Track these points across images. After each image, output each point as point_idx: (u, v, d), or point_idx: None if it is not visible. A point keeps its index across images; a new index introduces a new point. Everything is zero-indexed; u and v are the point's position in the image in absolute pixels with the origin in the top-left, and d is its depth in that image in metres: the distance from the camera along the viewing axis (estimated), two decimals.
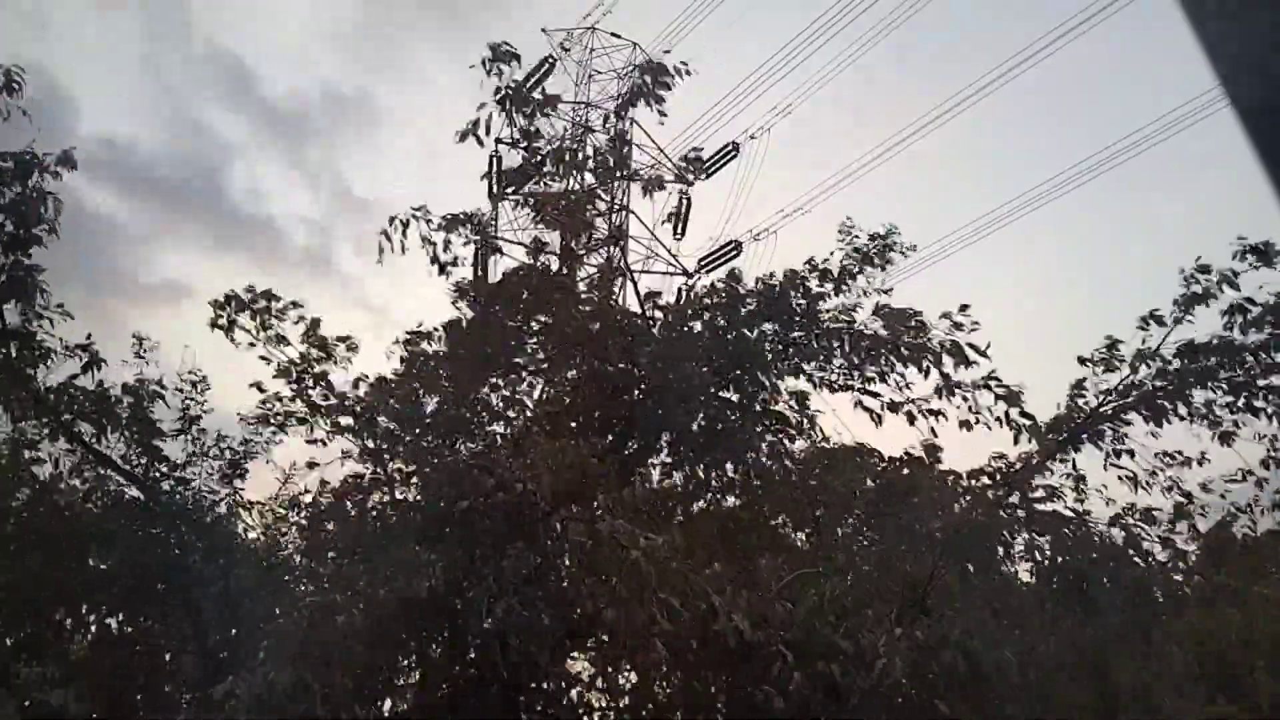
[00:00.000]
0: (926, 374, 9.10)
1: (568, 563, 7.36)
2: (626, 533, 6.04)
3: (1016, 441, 9.01)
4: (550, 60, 22.25)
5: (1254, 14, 1.37)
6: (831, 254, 9.67)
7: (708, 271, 24.58)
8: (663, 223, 24.98)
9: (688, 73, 10.45)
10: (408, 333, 10.58)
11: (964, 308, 9.02)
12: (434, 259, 10.05)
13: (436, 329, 10.49)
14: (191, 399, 10.35)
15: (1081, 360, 9.04)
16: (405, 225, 9.87)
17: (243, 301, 10.08)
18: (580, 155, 12.09)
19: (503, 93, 9.55)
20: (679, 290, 10.75)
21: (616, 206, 20.73)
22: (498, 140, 24.39)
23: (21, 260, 7.94)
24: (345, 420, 10.17)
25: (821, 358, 9.53)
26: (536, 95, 10.38)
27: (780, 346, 9.52)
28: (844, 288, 9.53)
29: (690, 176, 23.21)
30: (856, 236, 9.71)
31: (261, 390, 10.30)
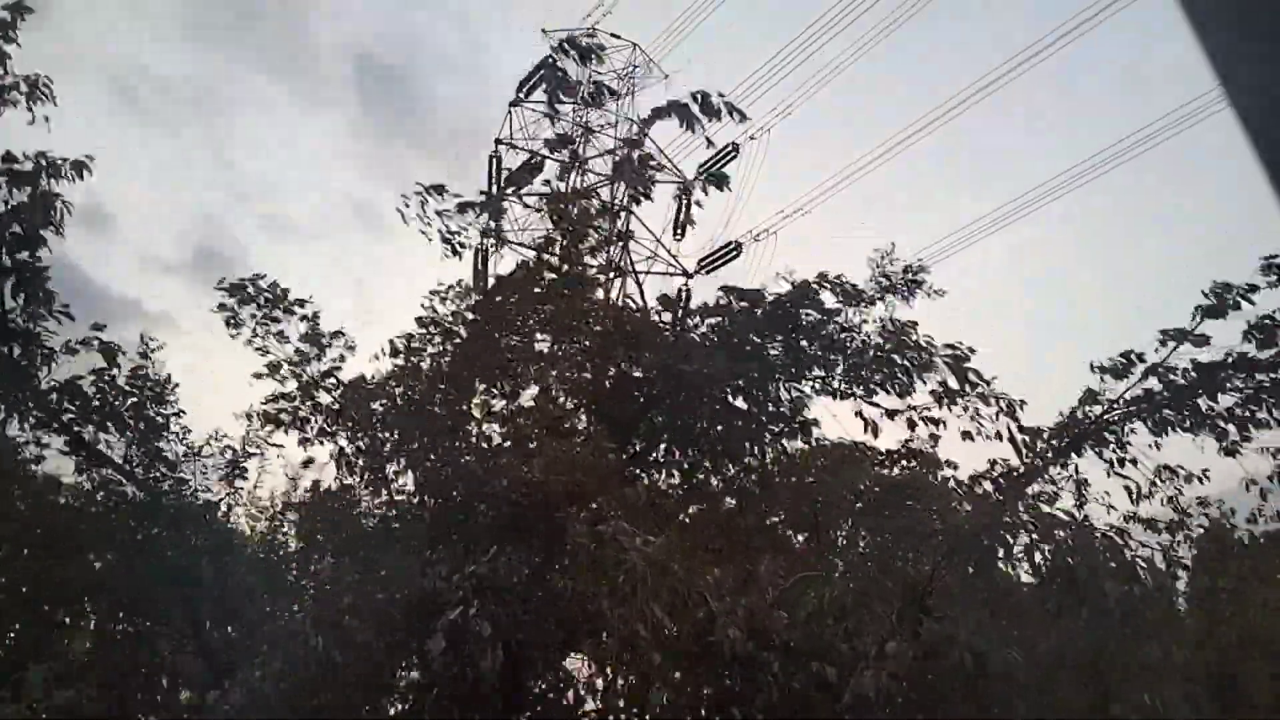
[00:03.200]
0: (938, 392, 9.10)
1: (569, 563, 7.36)
2: (626, 534, 6.03)
3: (1019, 455, 9.00)
4: (550, 61, 22.26)
5: (1254, 15, 1.37)
6: (841, 277, 9.50)
7: (708, 272, 24.61)
8: (672, 227, 24.99)
9: (742, 118, 10.35)
10: (404, 334, 10.59)
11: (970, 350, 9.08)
12: (445, 240, 10.10)
13: (431, 330, 10.50)
14: (166, 399, 10.35)
15: (1094, 368, 9.00)
16: (423, 201, 9.95)
17: (249, 294, 10.08)
18: (581, 154, 12.15)
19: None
20: (679, 291, 10.72)
21: (618, 207, 20.75)
22: (497, 141, 24.48)
23: (30, 261, 7.98)
24: (343, 421, 10.17)
25: (825, 367, 9.52)
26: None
27: (785, 355, 9.50)
28: (864, 308, 9.45)
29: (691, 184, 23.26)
30: (892, 264, 9.60)
31: (263, 376, 10.31)
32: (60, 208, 7.97)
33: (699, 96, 10.55)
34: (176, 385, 10.38)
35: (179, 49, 56.71)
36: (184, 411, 10.43)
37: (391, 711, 8.72)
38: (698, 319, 9.85)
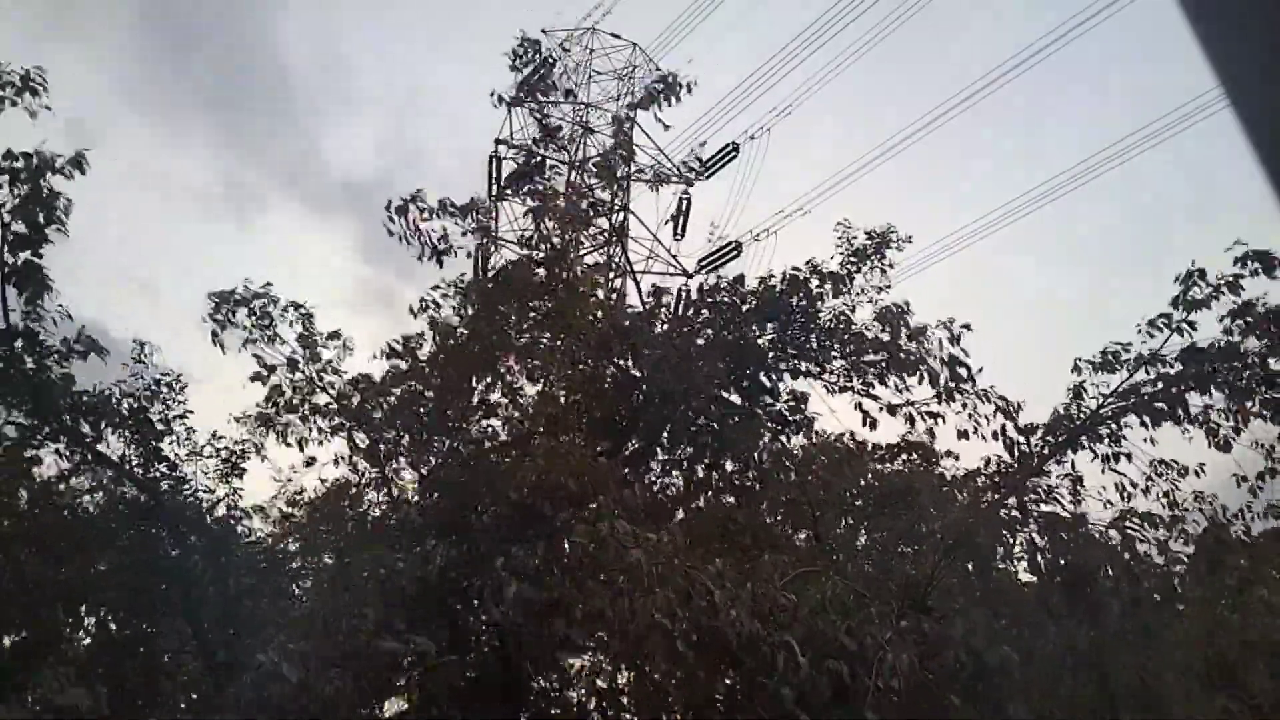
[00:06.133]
0: (932, 382, 9.10)
1: (568, 562, 7.36)
2: (627, 532, 6.04)
3: (1013, 455, 9.02)
4: (550, 60, 22.24)
5: (1254, 15, 1.37)
6: (832, 257, 9.68)
7: (708, 272, 24.60)
8: (666, 222, 24.97)
9: (690, 90, 10.67)
10: (402, 336, 10.57)
11: (965, 326, 9.12)
12: (431, 246, 10.02)
13: (428, 331, 10.47)
14: (171, 399, 10.33)
15: (1078, 365, 9.03)
16: (403, 211, 9.85)
17: (240, 298, 10.00)
18: (582, 153, 12.16)
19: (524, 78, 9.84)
20: (678, 290, 10.73)
21: (617, 206, 20.74)
22: (497, 141, 24.53)
23: (33, 259, 7.97)
24: (342, 419, 10.15)
25: (820, 359, 9.54)
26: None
27: (780, 346, 9.52)
28: (842, 288, 9.52)
29: (691, 176, 23.27)
30: (854, 236, 9.73)
31: (263, 380, 10.24)
32: (62, 204, 7.97)
33: (664, 79, 10.75)
34: (184, 386, 10.36)
35: (210, 162, 65.19)
36: (191, 412, 10.43)
37: (392, 710, 8.73)
38: (692, 312, 9.87)
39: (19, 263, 7.93)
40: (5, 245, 7.93)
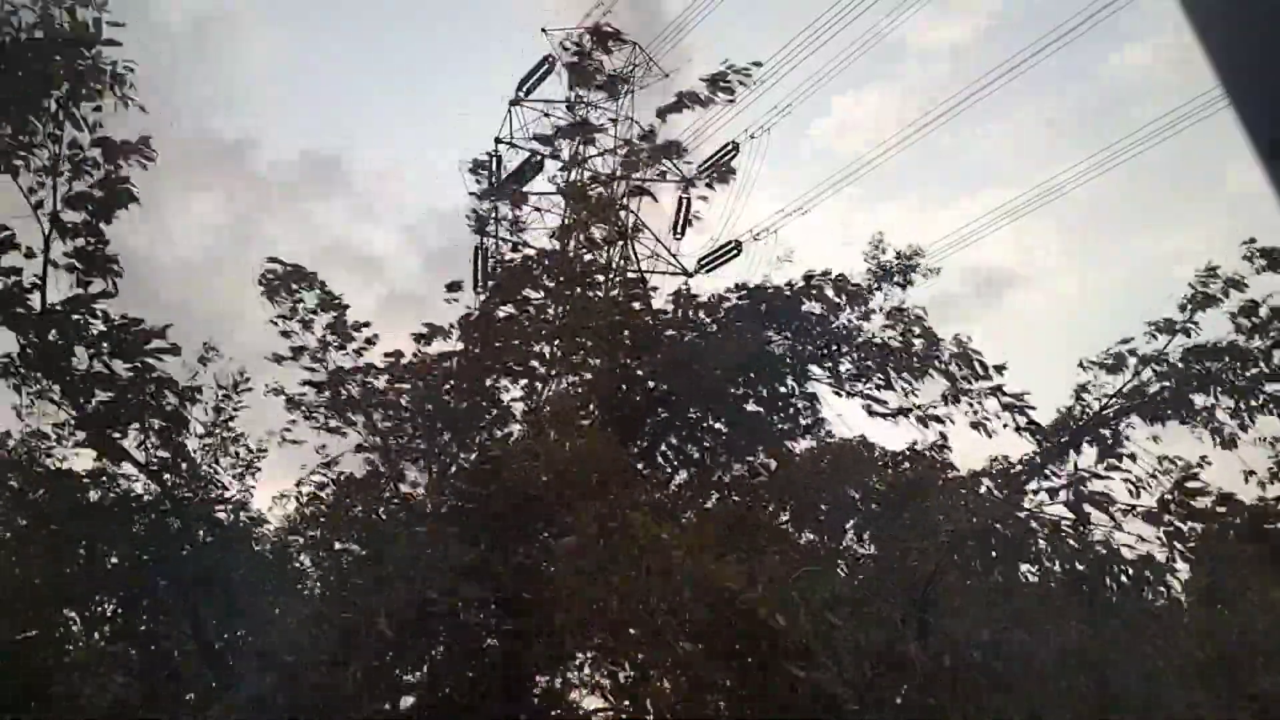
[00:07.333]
0: (946, 378, 9.12)
1: (572, 559, 7.39)
2: (642, 524, 6.07)
3: (1034, 442, 9.03)
4: (550, 60, 22.25)
5: (1254, 15, 1.41)
6: (840, 274, 9.61)
7: (708, 271, 24.61)
8: (677, 226, 24.98)
9: (747, 74, 10.68)
10: (424, 325, 10.55)
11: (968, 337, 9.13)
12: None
13: (450, 325, 10.46)
14: (228, 396, 10.32)
15: (1084, 364, 9.06)
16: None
17: (284, 277, 9.99)
18: (582, 153, 12.18)
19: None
20: (678, 290, 10.73)
21: (621, 203, 20.68)
22: (497, 140, 24.54)
23: (100, 244, 8.02)
24: (362, 411, 10.11)
25: (831, 363, 9.55)
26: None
27: (793, 350, 9.53)
28: (862, 303, 9.52)
29: (691, 176, 23.28)
30: (884, 252, 9.73)
31: (280, 362, 10.22)
32: (126, 191, 7.97)
33: (714, 78, 10.76)
34: (249, 389, 10.30)
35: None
36: (245, 406, 10.43)
37: (404, 707, 8.75)
38: (704, 314, 9.89)
39: (85, 247, 7.88)
40: (55, 233, 7.89)
